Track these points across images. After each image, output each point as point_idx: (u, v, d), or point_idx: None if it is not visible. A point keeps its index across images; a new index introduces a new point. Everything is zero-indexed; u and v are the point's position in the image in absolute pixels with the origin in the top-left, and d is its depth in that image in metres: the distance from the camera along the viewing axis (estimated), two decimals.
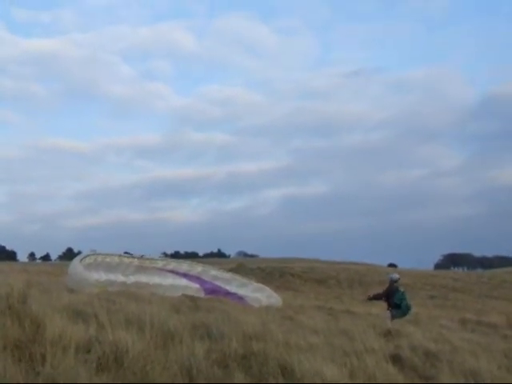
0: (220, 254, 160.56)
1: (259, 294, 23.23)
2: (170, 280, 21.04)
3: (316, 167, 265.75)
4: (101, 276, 18.69)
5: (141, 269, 20.48)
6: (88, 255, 19.27)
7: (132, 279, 19.48)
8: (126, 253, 20.71)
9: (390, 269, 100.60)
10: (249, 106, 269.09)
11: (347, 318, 20.22)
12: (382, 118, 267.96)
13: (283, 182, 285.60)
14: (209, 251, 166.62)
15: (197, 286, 21.34)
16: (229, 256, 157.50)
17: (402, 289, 22.15)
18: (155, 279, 20.50)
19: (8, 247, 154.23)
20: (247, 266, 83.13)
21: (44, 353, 6.35)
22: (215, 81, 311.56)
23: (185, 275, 21.43)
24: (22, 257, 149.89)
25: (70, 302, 11.21)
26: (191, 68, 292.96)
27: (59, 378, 5.75)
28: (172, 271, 21.37)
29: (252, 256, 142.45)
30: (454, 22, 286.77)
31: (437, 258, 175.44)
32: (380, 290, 23.40)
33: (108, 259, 19.67)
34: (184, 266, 21.98)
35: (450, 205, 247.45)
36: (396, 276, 22.57)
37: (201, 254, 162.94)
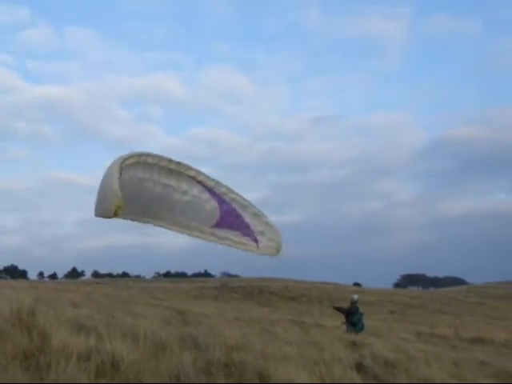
0: (206, 274, 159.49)
1: (263, 230, 21.33)
2: (195, 190, 19.49)
3: (290, 199, 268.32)
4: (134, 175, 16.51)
5: (173, 173, 18.94)
6: (132, 155, 17.06)
7: (163, 180, 17.69)
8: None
9: (355, 287, 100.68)
10: (231, 146, 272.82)
11: (317, 330, 20.13)
12: (346, 157, 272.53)
13: (262, 211, 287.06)
14: (197, 271, 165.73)
15: (216, 204, 19.95)
16: (214, 276, 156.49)
17: (361, 310, 22.83)
18: (183, 186, 18.98)
19: (20, 267, 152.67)
20: (230, 284, 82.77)
21: (49, 361, 6.27)
22: (201, 123, 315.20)
23: (209, 190, 19.95)
24: (32, 275, 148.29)
25: (74, 315, 11.07)
26: (180, 112, 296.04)
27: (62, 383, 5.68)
28: (200, 182, 19.86)
29: (234, 276, 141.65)
30: (406, 75, 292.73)
31: (395, 277, 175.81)
32: (345, 305, 23.80)
33: (149, 159, 18.05)
34: (212, 182, 20.35)
35: (406, 232, 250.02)
36: (356, 297, 23.25)
37: (189, 273, 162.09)
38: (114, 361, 6.70)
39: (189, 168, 19.53)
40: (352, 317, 21.86)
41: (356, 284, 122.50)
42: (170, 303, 31.36)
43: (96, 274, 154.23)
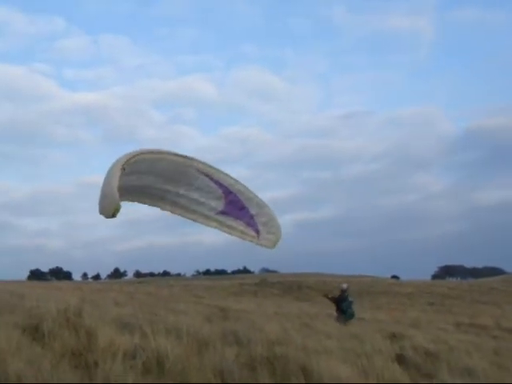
0: (245, 271, 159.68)
1: (266, 221, 21.21)
2: (200, 181, 19.61)
3: (323, 194, 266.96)
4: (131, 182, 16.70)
5: (182, 165, 18.96)
6: (138, 153, 17.07)
7: (168, 173, 17.80)
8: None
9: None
10: (263, 144, 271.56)
11: (357, 324, 20.03)
12: (378, 151, 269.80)
13: (295, 208, 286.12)
14: (236, 268, 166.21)
15: (221, 192, 19.94)
16: (253, 272, 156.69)
17: (350, 298, 23.34)
18: (188, 175, 19.13)
19: (64, 268, 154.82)
20: (269, 280, 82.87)
21: (96, 359, 6.35)
22: (233, 123, 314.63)
23: (216, 181, 20.04)
24: (77, 276, 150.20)
25: (118, 315, 11.21)
26: (213, 113, 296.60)
27: (110, 381, 5.75)
28: (207, 175, 19.92)
29: (273, 272, 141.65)
30: (434, 68, 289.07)
31: (433, 269, 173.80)
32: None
33: (155, 155, 18.06)
34: (221, 175, 20.23)
35: (442, 223, 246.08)
36: (345, 286, 23.65)
37: (229, 270, 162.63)
38: (159, 358, 6.74)
39: (195, 160, 19.59)
40: (341, 304, 22.48)
41: (394, 276, 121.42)
42: (210, 300, 31.58)
43: (138, 274, 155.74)
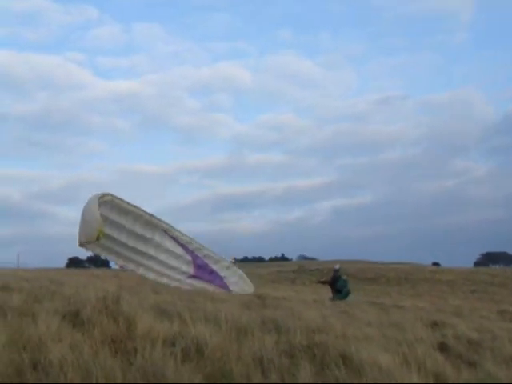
0: (283, 258, 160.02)
1: (236, 281, 22.47)
2: (168, 244, 20.49)
3: (361, 180, 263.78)
4: (110, 216, 18.24)
5: (149, 224, 19.93)
6: (107, 194, 18.77)
7: (138, 231, 19.02)
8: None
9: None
10: (299, 130, 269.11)
11: (396, 311, 19.90)
12: (416, 136, 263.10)
13: (332, 194, 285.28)
14: (273, 256, 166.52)
15: (189, 258, 20.83)
16: (291, 259, 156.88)
17: (344, 277, 24.02)
18: (156, 238, 20.02)
19: (102, 256, 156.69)
20: (307, 267, 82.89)
21: (136, 346, 6.46)
22: (269, 109, 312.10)
23: (182, 245, 20.91)
24: (114, 264, 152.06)
25: (156, 302, 11.33)
26: (248, 99, 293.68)
27: (150, 368, 5.84)
28: (173, 238, 20.82)
29: (311, 259, 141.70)
30: (473, 50, 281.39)
31: (475, 256, 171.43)
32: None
33: (124, 204, 19.23)
34: (185, 238, 21.36)
35: (483, 209, 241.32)
36: (337, 266, 25.68)
37: (266, 258, 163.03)
38: (199, 345, 6.82)
39: (161, 221, 20.56)
40: (336, 284, 23.09)
41: (435, 264, 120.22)
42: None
43: None
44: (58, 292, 11.03)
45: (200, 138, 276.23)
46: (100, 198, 17.62)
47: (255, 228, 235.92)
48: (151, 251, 19.62)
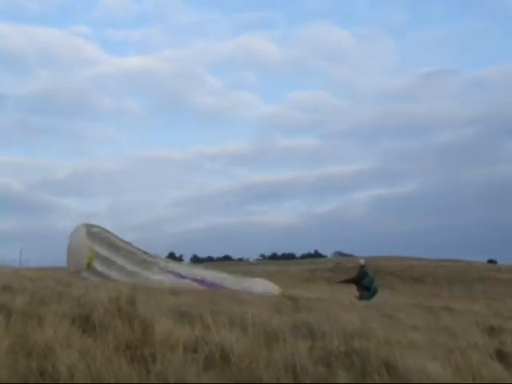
0: (317, 255, 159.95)
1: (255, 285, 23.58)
2: (171, 277, 21.40)
3: (406, 166, 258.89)
4: (98, 249, 19.36)
5: (144, 262, 20.81)
6: (96, 226, 19.83)
7: (133, 269, 19.99)
8: (196, 258, 21.91)
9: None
10: (334, 111, 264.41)
11: (447, 315, 19.82)
12: (469, 116, 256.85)
13: (373, 183, 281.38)
14: (306, 252, 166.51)
15: (195, 284, 21.63)
16: (326, 256, 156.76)
17: (370, 273, 23.90)
18: (154, 271, 21.07)
19: None
20: (344, 265, 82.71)
21: (154, 353, 6.53)
22: (301, 87, 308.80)
23: (184, 277, 21.77)
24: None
25: (175, 304, 11.45)
26: (276, 76, 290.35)
27: (170, 376, 5.91)
28: (170, 271, 21.73)
29: (349, 255, 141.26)
30: None
31: None
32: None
33: (113, 239, 20.06)
34: (184, 267, 22.55)
35: None
36: (362, 261, 26.11)
37: (298, 255, 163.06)
38: (223, 352, 6.87)
39: (157, 257, 21.32)
40: (363, 281, 23.00)
41: (491, 261, 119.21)
42: (279, 288, 31.74)
43: (195, 259, 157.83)
44: (65, 293, 11.18)
45: (223, 120, 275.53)
46: (88, 226, 18.54)
47: (285, 221, 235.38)
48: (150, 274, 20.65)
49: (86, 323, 7.89)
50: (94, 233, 19.45)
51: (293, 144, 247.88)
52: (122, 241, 21.31)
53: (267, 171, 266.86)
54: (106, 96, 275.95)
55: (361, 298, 22.74)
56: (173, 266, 22.49)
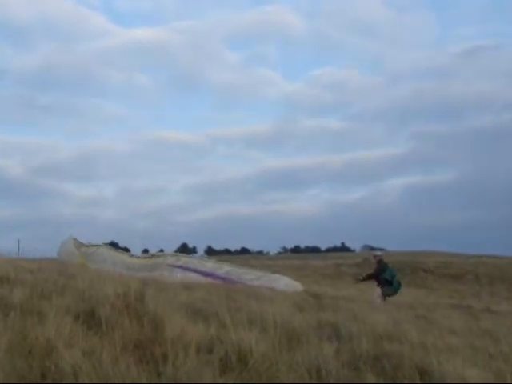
0: (344, 248, 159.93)
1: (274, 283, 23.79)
2: (178, 273, 21.69)
3: (441, 152, 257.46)
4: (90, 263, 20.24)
5: (149, 266, 21.45)
6: (83, 245, 20.94)
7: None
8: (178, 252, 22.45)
9: None
10: (364, 89, 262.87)
11: (488, 317, 19.79)
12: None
13: (404, 170, 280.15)
14: (332, 245, 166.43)
15: (207, 279, 21.84)
16: (353, 250, 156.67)
17: (390, 265, 23.67)
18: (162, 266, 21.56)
19: (121, 244, 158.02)
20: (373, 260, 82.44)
21: (165, 353, 6.54)
22: (326, 63, 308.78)
23: (195, 270, 22.01)
24: (136, 253, 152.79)
25: (188, 300, 11.51)
26: (301, 52, 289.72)
27: (182, 379, 5.92)
28: (181, 266, 22.03)
29: (379, 250, 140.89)
30: None
31: None
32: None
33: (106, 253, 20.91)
34: (194, 261, 22.81)
35: None
36: (380, 252, 26.30)
37: (323, 248, 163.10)
38: (241, 353, 6.88)
39: (164, 256, 21.67)
40: (384, 274, 22.67)
41: None
42: (302, 284, 31.79)
43: (210, 251, 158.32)
44: (68, 286, 11.23)
45: (239, 99, 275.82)
46: (74, 240, 19.39)
47: (308, 211, 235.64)
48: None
49: (91, 319, 7.94)
50: (82, 251, 20.58)
51: (316, 126, 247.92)
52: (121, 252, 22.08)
53: (288, 156, 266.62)
54: (115, 71, 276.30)
55: (385, 295, 22.59)
56: (184, 260, 22.75)
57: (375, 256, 25.36)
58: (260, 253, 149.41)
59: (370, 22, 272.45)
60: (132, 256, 22.73)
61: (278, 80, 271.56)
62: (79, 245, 21.34)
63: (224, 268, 23.19)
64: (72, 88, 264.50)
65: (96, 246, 21.89)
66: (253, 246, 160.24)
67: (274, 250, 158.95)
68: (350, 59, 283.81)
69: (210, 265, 23.14)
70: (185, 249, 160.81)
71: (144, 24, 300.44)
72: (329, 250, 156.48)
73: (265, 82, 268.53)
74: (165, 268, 22.00)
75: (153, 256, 22.97)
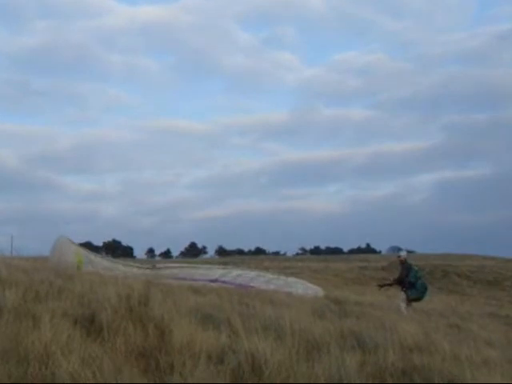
0: (369, 250, 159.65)
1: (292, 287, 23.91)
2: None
3: (477, 145, 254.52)
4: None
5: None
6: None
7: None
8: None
9: None
10: (392, 75, 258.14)
11: None
12: None
13: (436, 163, 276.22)
14: (355, 246, 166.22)
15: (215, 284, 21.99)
16: (379, 252, 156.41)
17: (415, 267, 23.62)
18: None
19: (123, 242, 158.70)
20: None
21: (172, 362, 6.58)
22: (351, 47, 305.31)
23: (201, 279, 22.13)
24: (140, 253, 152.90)
25: (197, 304, 11.55)
26: (322, 33, 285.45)
27: None
28: (185, 279, 22.09)
29: (408, 252, 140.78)
30: None
31: None
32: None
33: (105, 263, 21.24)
34: (200, 270, 22.88)
35: None
36: (403, 253, 25.49)
37: (345, 249, 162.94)
38: (255, 363, 6.90)
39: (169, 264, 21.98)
40: (408, 277, 22.57)
41: None
42: (323, 289, 31.86)
43: (221, 251, 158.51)
44: (66, 288, 11.30)
45: (255, 85, 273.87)
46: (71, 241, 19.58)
47: (330, 208, 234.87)
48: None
49: (90, 324, 7.99)
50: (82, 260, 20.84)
51: (339, 115, 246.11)
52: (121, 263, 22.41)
53: (307, 148, 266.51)
54: (116, 53, 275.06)
55: (408, 299, 22.54)
56: (187, 271, 22.87)
57: (399, 256, 25.33)
58: (276, 254, 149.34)
59: (399, 1, 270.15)
60: (130, 265, 22.76)
61: (296, 64, 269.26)
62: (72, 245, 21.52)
63: (233, 272, 23.27)
64: (70, 71, 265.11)
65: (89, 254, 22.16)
66: (268, 247, 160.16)
67: (291, 250, 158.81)
68: (377, 42, 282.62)
69: (220, 271, 23.25)
70: (194, 249, 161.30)
71: (149, 2, 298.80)
72: (352, 252, 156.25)
73: (282, 67, 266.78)
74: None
75: (153, 267, 22.99)
